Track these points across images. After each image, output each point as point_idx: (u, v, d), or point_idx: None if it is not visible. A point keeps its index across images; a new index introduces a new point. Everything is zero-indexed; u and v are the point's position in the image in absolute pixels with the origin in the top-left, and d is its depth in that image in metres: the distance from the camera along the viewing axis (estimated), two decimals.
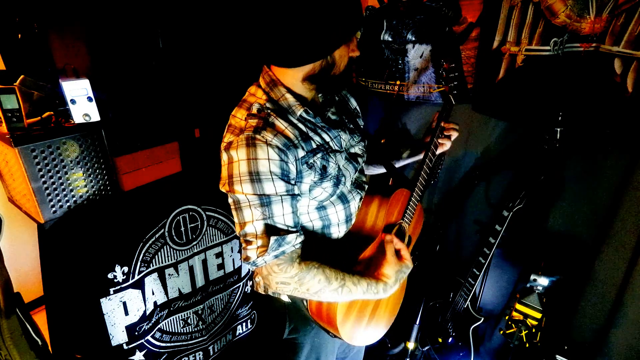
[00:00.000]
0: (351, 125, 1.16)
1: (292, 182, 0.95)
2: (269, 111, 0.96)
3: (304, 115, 0.99)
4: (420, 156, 1.30)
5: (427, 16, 1.69)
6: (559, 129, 1.42)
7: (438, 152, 1.23)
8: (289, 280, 0.94)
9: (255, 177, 0.89)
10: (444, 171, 1.90)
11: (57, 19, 1.57)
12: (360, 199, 1.17)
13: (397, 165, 1.38)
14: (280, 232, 0.92)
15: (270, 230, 0.91)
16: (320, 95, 1.11)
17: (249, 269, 1.90)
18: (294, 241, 0.93)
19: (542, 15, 1.42)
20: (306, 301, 1.12)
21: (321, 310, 1.09)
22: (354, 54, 0.98)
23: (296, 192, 0.97)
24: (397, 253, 1.09)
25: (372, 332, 1.22)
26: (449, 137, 1.22)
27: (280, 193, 0.91)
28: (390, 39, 1.83)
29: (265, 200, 0.90)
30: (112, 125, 1.50)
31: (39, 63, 1.53)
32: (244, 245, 0.94)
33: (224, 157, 0.94)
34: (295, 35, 0.88)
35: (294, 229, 0.94)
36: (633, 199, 1.40)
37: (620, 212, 1.44)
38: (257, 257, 0.91)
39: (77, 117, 1.31)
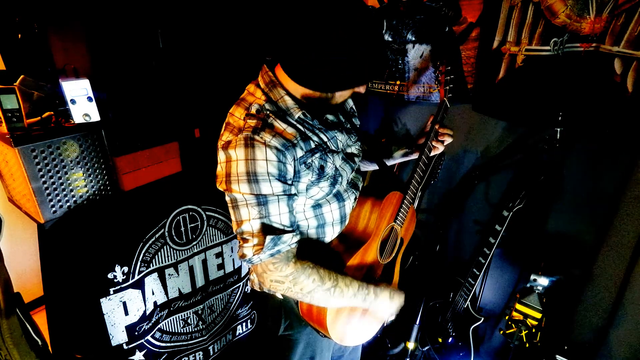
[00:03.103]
0: (348, 125, 1.17)
1: (289, 182, 0.95)
2: (268, 112, 0.96)
3: (302, 117, 0.99)
4: (415, 156, 1.32)
5: (427, 16, 1.69)
6: (559, 129, 1.42)
7: (432, 154, 1.26)
8: (283, 279, 0.95)
9: (252, 177, 0.90)
10: (444, 171, 1.89)
11: (57, 19, 1.56)
12: (355, 199, 1.18)
13: (390, 163, 1.39)
14: (276, 232, 0.93)
15: (267, 229, 0.92)
16: None
17: (249, 269, 1.90)
18: (289, 240, 0.94)
19: (542, 15, 1.42)
20: (297, 300, 1.12)
21: (312, 311, 1.09)
22: (359, 90, 1.01)
23: (293, 192, 0.97)
24: None
25: (362, 332, 1.22)
26: (442, 141, 1.25)
27: (277, 193, 0.92)
28: (390, 39, 1.83)
29: (262, 200, 0.91)
30: (112, 125, 1.50)
31: (39, 63, 1.53)
32: (240, 242, 0.95)
33: (222, 155, 0.94)
34: (310, 64, 0.89)
35: (290, 229, 0.95)
36: (633, 199, 1.40)
37: (620, 212, 1.44)
38: (253, 255, 0.93)
39: (77, 117, 1.31)
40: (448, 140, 1.25)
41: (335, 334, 1.10)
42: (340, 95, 1.00)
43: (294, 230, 0.96)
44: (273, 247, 0.92)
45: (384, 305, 1.11)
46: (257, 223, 0.92)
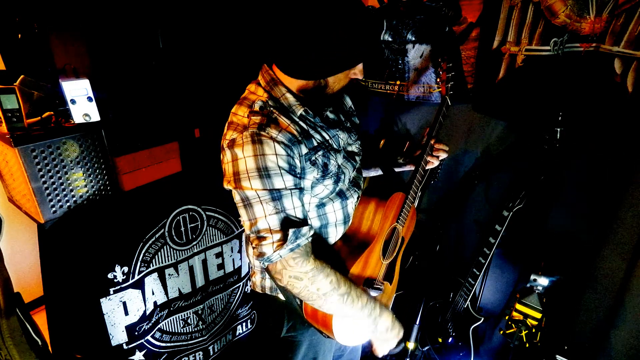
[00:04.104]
0: (348, 124, 1.17)
1: (299, 175, 0.95)
2: (272, 108, 0.96)
3: (304, 114, 1.00)
4: (410, 167, 1.34)
5: (427, 16, 1.69)
6: (559, 129, 1.42)
7: (428, 167, 1.27)
8: (303, 275, 0.93)
9: (264, 172, 0.89)
10: (444, 171, 1.90)
11: (57, 19, 1.56)
12: (358, 197, 1.18)
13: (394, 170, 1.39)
14: (296, 225, 0.91)
15: (286, 223, 0.91)
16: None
17: (249, 269, 1.90)
18: (308, 233, 0.93)
19: (542, 15, 1.42)
20: (300, 301, 1.12)
21: (317, 313, 1.09)
22: (356, 76, 0.99)
23: (302, 185, 0.97)
24: None
25: (363, 332, 1.22)
26: (437, 156, 1.25)
27: (289, 187, 0.92)
28: (390, 39, 1.83)
29: (276, 195, 0.90)
30: (112, 125, 1.50)
31: (39, 63, 1.53)
32: (256, 242, 0.92)
33: (227, 154, 0.93)
34: (294, 51, 0.89)
35: (306, 222, 0.95)
36: (633, 199, 1.40)
37: (620, 212, 1.44)
38: (274, 252, 0.90)
39: (77, 117, 1.31)
40: (443, 155, 1.26)
41: (339, 335, 1.10)
42: (334, 82, 0.97)
43: (309, 223, 0.96)
44: (295, 241, 0.90)
45: (386, 325, 1.09)
46: (274, 219, 0.90)
